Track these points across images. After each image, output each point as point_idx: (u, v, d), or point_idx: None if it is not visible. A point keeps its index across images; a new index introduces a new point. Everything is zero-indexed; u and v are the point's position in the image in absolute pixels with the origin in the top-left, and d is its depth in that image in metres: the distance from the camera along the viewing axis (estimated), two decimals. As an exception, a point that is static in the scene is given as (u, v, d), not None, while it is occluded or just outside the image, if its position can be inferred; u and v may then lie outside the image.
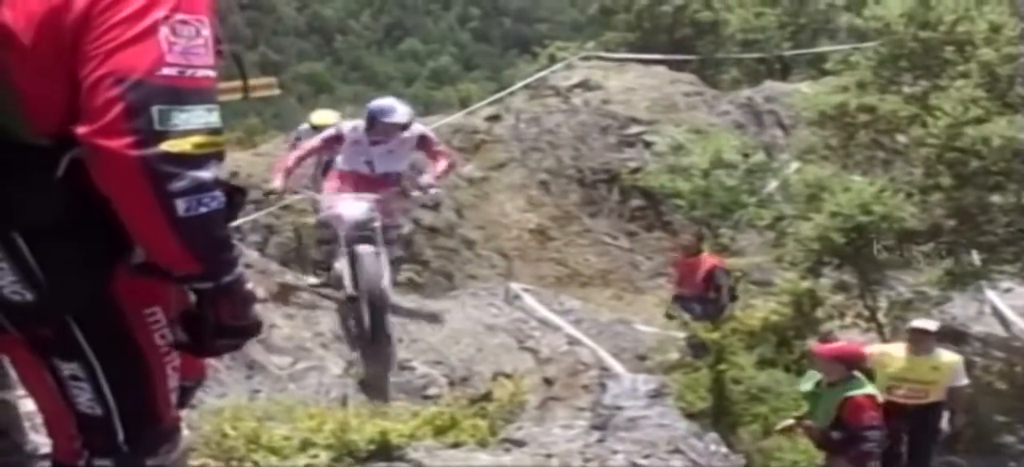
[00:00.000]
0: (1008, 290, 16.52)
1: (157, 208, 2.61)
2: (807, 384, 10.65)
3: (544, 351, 10.54)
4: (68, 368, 2.83)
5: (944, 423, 10.99)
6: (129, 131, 2.57)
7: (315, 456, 4.70)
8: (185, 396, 3.26)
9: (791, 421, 10.43)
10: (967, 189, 15.37)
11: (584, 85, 21.06)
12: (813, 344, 11.30)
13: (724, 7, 29.55)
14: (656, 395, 6.35)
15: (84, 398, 2.88)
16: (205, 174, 2.66)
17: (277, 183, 10.16)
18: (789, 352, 12.18)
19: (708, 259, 13.22)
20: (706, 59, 27.98)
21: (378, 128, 9.83)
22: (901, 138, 16.26)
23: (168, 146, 2.59)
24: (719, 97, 23.01)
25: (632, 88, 21.40)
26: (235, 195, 2.92)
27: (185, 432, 3.38)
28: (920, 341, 10.65)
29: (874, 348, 11.02)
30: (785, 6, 29.73)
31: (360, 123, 10.01)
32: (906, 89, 16.29)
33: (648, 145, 19.03)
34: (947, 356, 10.96)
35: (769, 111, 22.39)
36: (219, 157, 2.72)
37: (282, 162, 10.42)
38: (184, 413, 4.90)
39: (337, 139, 10.00)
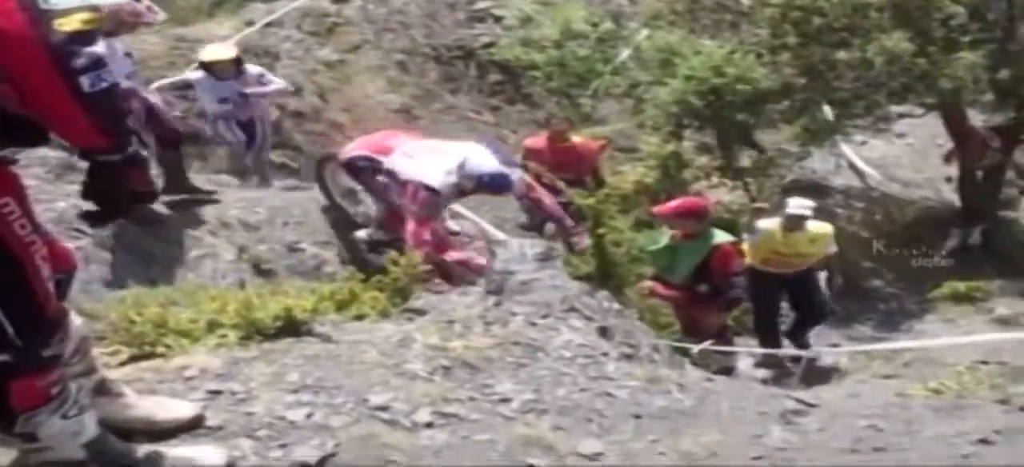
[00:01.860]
0: (863, 143, 16.92)
1: (64, 87, 2.63)
2: (657, 243, 10.85)
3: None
4: None
5: (824, 286, 11.32)
6: (18, 9, 2.57)
7: (224, 336, 4.68)
8: (61, 288, 3.27)
9: (648, 284, 10.59)
10: (813, 47, 15.59)
11: (428, -37, 20.74)
12: (657, 207, 11.34)
13: None
14: (544, 259, 6.42)
15: None
16: (98, 49, 2.68)
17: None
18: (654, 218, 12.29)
19: (588, 143, 13.20)
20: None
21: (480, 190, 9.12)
22: (744, 0, 16.38)
23: (59, 25, 2.60)
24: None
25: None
26: None
27: (76, 322, 3.37)
28: (796, 225, 10.86)
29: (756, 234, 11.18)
30: None
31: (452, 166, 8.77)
32: (747, -50, 16.42)
33: (498, 19, 18.93)
34: (821, 227, 11.24)
35: (614, -19, 22.43)
36: (102, 32, 2.73)
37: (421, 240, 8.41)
38: (88, 305, 4.88)
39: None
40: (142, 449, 3.50)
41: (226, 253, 8.62)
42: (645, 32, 17.30)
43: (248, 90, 11.26)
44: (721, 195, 14.91)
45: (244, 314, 4.74)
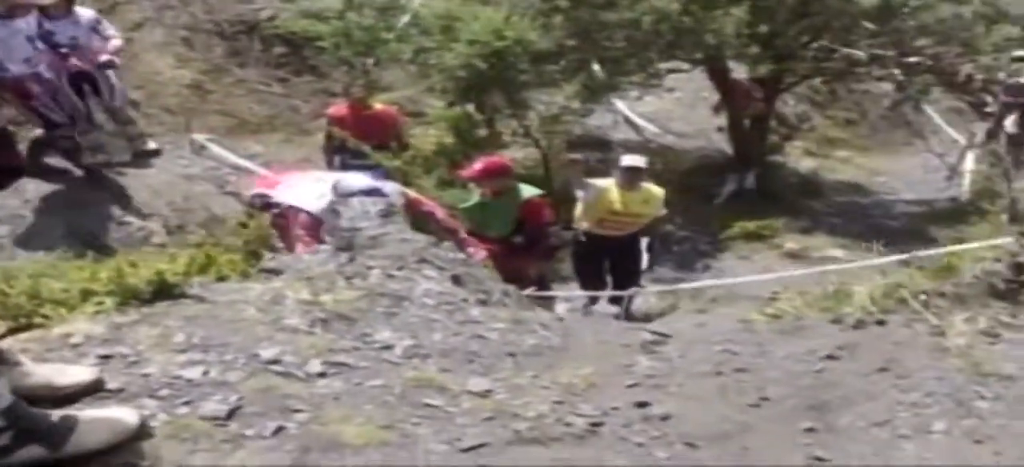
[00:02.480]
0: (638, 98, 17.37)
1: None
2: (467, 201, 10.95)
3: (246, 193, 10.43)
4: None
5: (645, 252, 11.54)
6: None
7: (100, 303, 4.57)
8: None
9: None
10: (583, 9, 15.96)
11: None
12: (465, 171, 11.39)
13: None
14: (386, 215, 6.47)
15: None
16: None
17: None
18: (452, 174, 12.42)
19: (389, 109, 13.14)
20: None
21: None
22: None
23: None
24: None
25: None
26: None
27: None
28: (633, 178, 11.00)
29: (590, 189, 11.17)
30: None
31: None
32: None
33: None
34: (654, 188, 11.42)
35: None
36: None
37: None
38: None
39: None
40: (55, 414, 3.42)
41: (54, 230, 8.38)
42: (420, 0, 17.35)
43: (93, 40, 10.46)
44: (513, 153, 15.11)
45: (118, 281, 4.64)
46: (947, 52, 17.67)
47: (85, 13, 10.69)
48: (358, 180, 8.70)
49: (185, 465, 3.42)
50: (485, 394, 4.19)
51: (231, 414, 3.72)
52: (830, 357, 4.57)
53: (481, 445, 3.72)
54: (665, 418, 4.02)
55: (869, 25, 17.07)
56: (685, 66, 17.36)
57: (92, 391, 3.78)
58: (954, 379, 4.27)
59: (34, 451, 3.26)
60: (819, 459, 3.68)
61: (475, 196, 10.79)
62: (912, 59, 17.40)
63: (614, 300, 10.47)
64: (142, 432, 3.47)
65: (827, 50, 17.59)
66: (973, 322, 4.92)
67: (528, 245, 10.47)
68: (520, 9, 15.84)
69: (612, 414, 4.04)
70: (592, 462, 3.64)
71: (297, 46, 17.46)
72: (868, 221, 16.63)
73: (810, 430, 3.91)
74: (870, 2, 16.16)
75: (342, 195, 8.36)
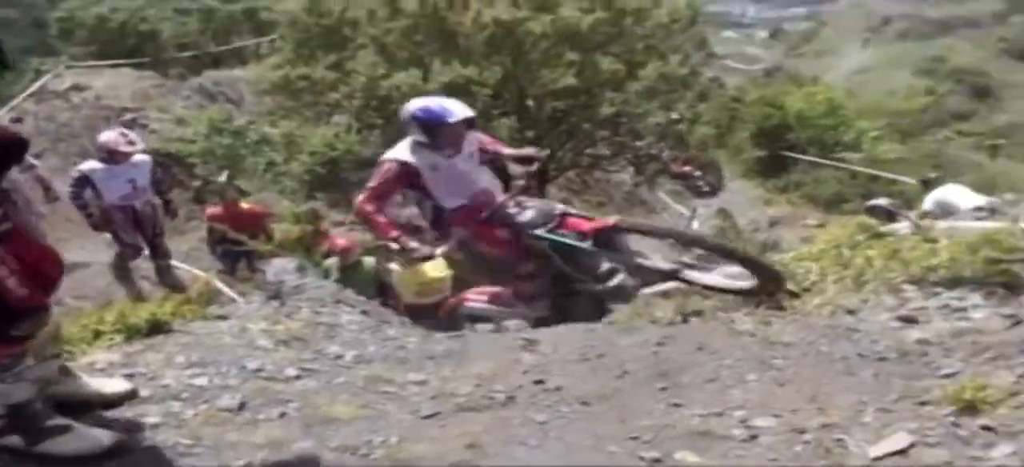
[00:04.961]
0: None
1: None
2: (334, 273, 11.06)
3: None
4: None
5: None
6: None
7: (111, 339, 4.63)
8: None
9: None
10: (392, 125, 16.42)
11: (76, 88, 20.64)
12: (337, 247, 11.45)
13: (157, 19, 29.91)
14: (301, 269, 6.59)
15: None
16: None
17: None
18: (312, 254, 12.49)
19: (255, 207, 13.11)
20: (156, 60, 27.36)
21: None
22: (334, 95, 17.00)
23: None
24: (177, 86, 23.14)
25: (114, 86, 21.30)
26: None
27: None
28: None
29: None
30: (199, 15, 30.85)
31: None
32: (325, 60, 17.22)
33: (144, 126, 18.55)
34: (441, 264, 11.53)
35: (218, 91, 22.81)
36: None
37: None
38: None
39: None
40: (58, 419, 3.46)
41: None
42: (265, 126, 17.54)
43: None
44: (354, 235, 15.33)
45: (122, 321, 4.71)
46: (665, 146, 18.74)
47: (141, 159, 10.99)
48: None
49: (223, 440, 3.56)
50: (423, 382, 4.42)
51: (242, 406, 3.87)
52: (660, 344, 4.90)
53: (436, 413, 3.96)
54: (559, 389, 4.29)
55: (604, 133, 18.08)
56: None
57: (130, 398, 3.88)
58: (752, 348, 4.65)
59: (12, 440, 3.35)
60: (677, 405, 4.00)
61: (334, 269, 10.89)
62: (640, 153, 18.44)
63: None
64: (115, 449, 3.43)
65: (578, 150, 18.47)
66: (751, 315, 5.37)
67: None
68: (342, 127, 16.20)
69: (519, 390, 4.29)
70: (521, 418, 3.90)
71: (166, 166, 17.30)
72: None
73: (664, 389, 4.21)
74: (605, 113, 17.01)
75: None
